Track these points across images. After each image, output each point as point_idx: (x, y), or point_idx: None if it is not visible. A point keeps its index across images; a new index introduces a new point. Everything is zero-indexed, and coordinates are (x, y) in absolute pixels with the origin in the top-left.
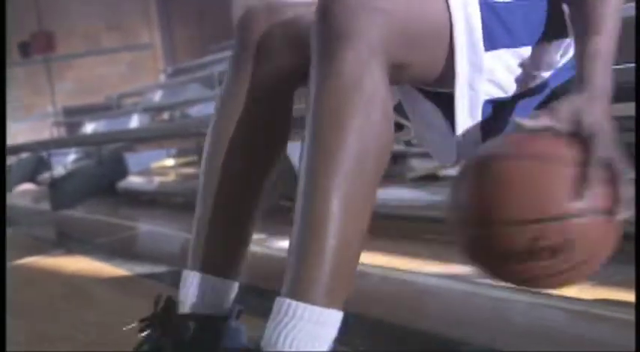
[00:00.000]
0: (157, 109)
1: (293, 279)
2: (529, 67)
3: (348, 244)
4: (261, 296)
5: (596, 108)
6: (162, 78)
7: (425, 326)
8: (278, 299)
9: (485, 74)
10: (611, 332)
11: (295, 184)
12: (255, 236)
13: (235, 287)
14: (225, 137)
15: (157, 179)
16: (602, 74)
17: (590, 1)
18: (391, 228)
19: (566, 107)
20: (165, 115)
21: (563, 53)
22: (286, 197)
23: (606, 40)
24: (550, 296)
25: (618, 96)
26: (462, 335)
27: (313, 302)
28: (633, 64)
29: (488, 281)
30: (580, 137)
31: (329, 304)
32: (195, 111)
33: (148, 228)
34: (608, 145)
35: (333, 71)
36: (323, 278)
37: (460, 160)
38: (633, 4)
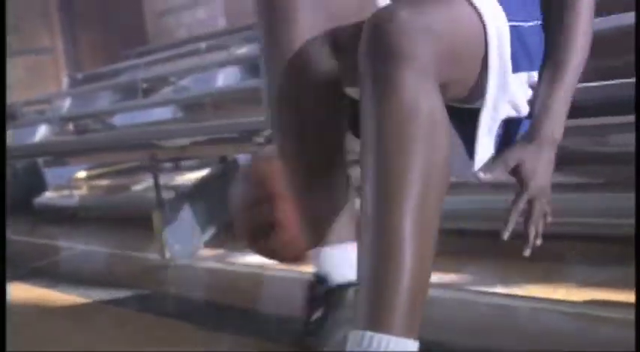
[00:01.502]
0: (74, 119)
1: (371, 310)
2: None
3: (423, 269)
4: (220, 311)
5: (542, 163)
6: (65, 84)
7: (427, 334)
8: (356, 333)
9: (508, 95)
10: (608, 332)
11: None
12: (215, 252)
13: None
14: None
15: (77, 193)
16: (556, 127)
17: (560, 50)
18: None
19: (512, 155)
20: (71, 126)
21: None
22: None
23: (565, 91)
24: (545, 301)
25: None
26: (459, 341)
27: (396, 334)
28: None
29: (484, 289)
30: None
31: (408, 333)
32: (118, 120)
33: (85, 247)
34: (543, 196)
35: (392, 94)
36: (403, 307)
37: (475, 174)
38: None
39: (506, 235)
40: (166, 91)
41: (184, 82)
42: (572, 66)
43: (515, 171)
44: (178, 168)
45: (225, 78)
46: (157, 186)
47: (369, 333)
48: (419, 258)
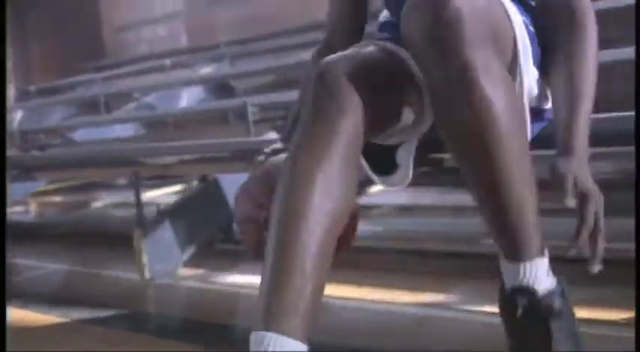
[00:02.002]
0: (25, 133)
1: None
2: (543, 89)
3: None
4: (201, 330)
5: (585, 172)
6: (12, 97)
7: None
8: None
9: (529, 84)
10: (596, 347)
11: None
12: (195, 271)
13: None
14: (313, 188)
15: (33, 209)
16: (584, 141)
17: (574, 69)
18: (361, 261)
19: (564, 174)
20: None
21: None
22: (224, 230)
23: (587, 111)
24: None
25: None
26: None
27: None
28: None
29: (474, 308)
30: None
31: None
32: (80, 136)
33: (58, 266)
34: (598, 202)
35: (471, 82)
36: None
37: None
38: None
39: (597, 266)
40: (129, 108)
41: (148, 99)
42: (589, 88)
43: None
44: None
45: (190, 97)
46: (138, 204)
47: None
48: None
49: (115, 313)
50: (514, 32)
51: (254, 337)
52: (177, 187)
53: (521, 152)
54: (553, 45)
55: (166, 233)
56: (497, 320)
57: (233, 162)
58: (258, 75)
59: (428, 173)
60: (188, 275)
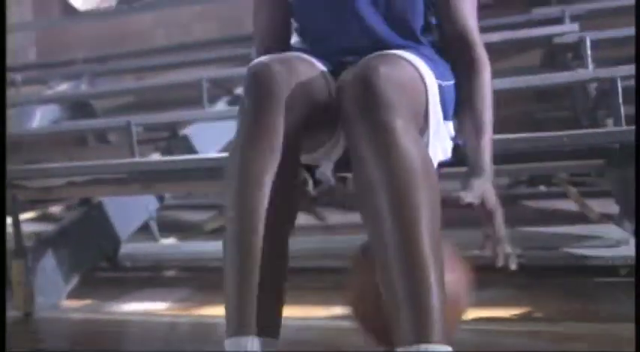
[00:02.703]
0: None
1: (416, 326)
2: (453, 138)
3: (442, 283)
4: None
5: (491, 189)
6: None
7: None
8: (408, 347)
9: (440, 141)
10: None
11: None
12: (79, 302)
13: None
14: (258, 190)
15: None
16: (490, 163)
17: (477, 109)
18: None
19: (476, 188)
20: None
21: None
22: (108, 257)
23: (489, 137)
24: None
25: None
26: None
27: (439, 342)
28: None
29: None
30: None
31: (444, 340)
32: None
33: None
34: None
35: (393, 140)
36: (439, 319)
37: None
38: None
39: (513, 264)
40: None
41: None
42: (489, 117)
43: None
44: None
45: (43, 115)
46: (16, 232)
47: (422, 345)
48: (440, 274)
49: None
50: (427, 97)
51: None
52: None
53: (434, 202)
54: (457, 83)
55: (48, 263)
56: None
57: (126, 185)
58: (118, 95)
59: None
60: (72, 307)
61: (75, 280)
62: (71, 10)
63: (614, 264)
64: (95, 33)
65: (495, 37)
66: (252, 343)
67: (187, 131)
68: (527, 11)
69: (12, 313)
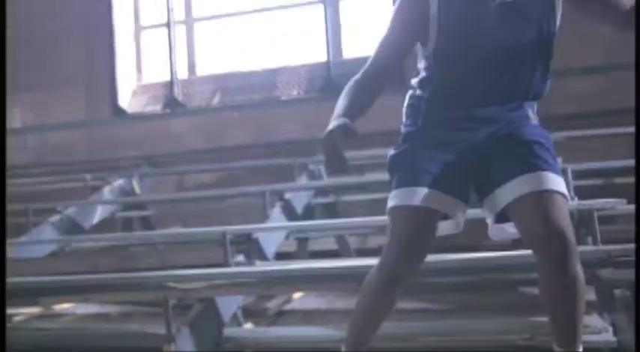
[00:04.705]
0: None
1: (571, 338)
2: None
3: None
4: None
5: None
6: None
7: None
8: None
9: None
10: None
11: None
12: None
13: None
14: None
15: None
16: None
17: None
18: None
19: None
20: None
21: None
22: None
23: None
24: None
25: None
26: None
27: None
28: None
29: None
30: None
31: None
32: None
33: None
34: None
35: (575, 278)
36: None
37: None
38: None
39: None
40: None
41: None
42: None
43: None
44: None
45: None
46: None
47: None
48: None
49: None
50: None
51: None
52: None
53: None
54: None
55: None
56: None
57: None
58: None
59: None
60: None
61: None
62: (120, 112)
63: (598, 347)
64: (141, 133)
65: None
66: None
67: (257, 235)
68: None
69: None
